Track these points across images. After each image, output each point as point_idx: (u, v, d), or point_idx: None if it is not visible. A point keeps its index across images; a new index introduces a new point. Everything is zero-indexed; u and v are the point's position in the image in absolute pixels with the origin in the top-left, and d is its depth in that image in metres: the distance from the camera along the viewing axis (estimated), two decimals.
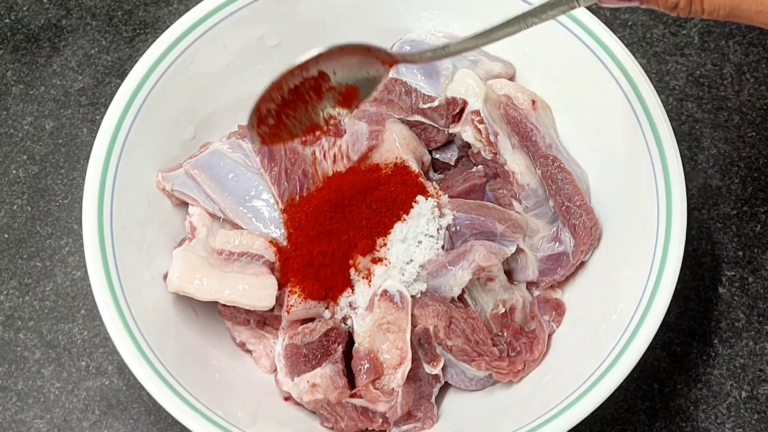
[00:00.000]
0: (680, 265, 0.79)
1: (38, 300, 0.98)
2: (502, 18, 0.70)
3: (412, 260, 0.84)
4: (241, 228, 0.88)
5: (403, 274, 0.83)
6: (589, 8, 0.91)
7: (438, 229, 0.86)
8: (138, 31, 1.12)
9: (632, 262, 0.82)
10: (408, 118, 0.93)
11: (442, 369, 0.84)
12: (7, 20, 1.14)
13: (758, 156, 1.00)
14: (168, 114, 0.91)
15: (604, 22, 0.89)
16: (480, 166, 0.93)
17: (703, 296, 0.95)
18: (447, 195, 0.89)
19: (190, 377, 0.80)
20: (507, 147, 0.89)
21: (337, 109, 0.78)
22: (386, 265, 0.84)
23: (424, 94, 0.92)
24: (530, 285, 0.90)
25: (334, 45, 0.74)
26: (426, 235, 0.85)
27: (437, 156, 0.96)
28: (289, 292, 0.85)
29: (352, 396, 0.81)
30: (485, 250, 0.83)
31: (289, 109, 0.78)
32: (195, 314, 0.88)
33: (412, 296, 0.83)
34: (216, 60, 0.94)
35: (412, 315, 0.82)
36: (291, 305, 0.84)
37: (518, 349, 0.85)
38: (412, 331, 0.82)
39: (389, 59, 0.76)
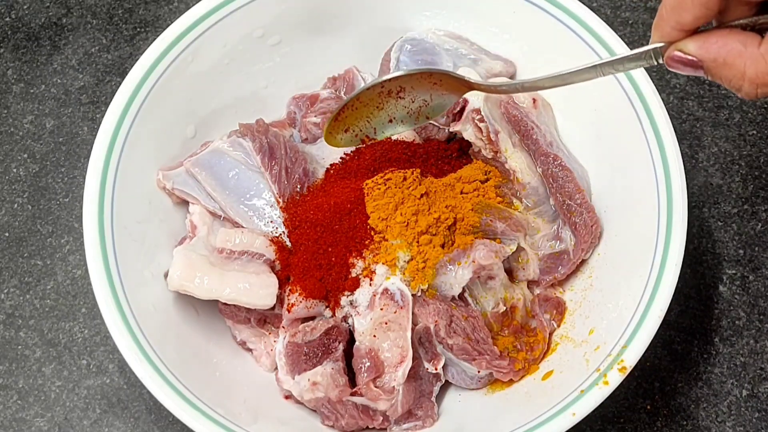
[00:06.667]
0: (681, 263, 0.79)
1: (39, 298, 0.98)
2: (579, 65, 0.74)
3: (413, 258, 0.84)
4: (242, 226, 0.88)
5: (404, 273, 0.83)
6: (589, 6, 0.91)
7: None
8: (138, 29, 1.12)
9: (633, 260, 0.82)
10: None
11: (443, 367, 0.84)
12: (7, 18, 1.14)
13: (759, 154, 1.00)
14: (168, 112, 0.91)
15: (605, 21, 0.89)
16: None
17: (704, 295, 0.95)
18: None
19: (191, 376, 0.80)
20: (508, 145, 0.89)
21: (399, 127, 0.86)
22: (387, 264, 0.83)
23: None
24: (531, 283, 0.90)
25: (420, 69, 0.83)
26: None
27: None
28: (290, 290, 0.85)
29: (352, 394, 0.81)
30: (485, 249, 0.83)
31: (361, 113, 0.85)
32: (196, 313, 0.88)
33: (412, 295, 0.83)
34: (216, 58, 0.94)
35: (412, 313, 0.82)
36: (292, 304, 0.84)
37: (519, 347, 0.85)
38: (412, 329, 0.82)
39: (465, 85, 0.82)
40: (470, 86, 0.82)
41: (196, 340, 0.86)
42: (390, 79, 0.82)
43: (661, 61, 0.68)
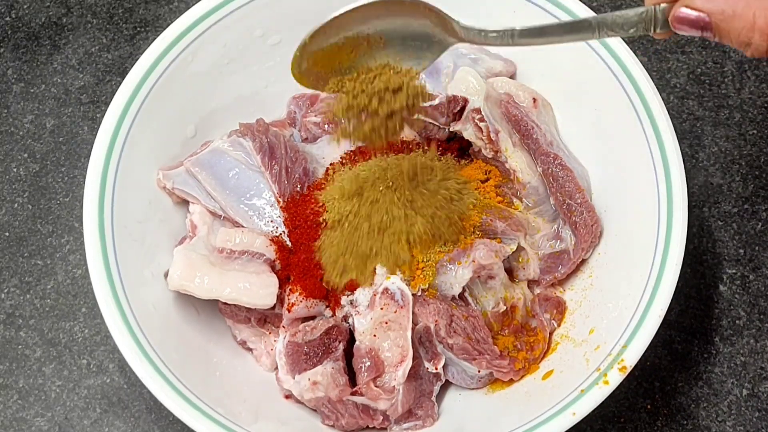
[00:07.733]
0: (681, 262, 0.79)
1: (39, 298, 0.98)
2: (575, 19, 0.70)
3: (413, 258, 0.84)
4: (242, 226, 0.88)
5: (404, 272, 0.83)
6: (590, 6, 0.91)
7: None
8: (139, 29, 1.12)
9: (633, 259, 0.82)
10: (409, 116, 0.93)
11: (443, 367, 0.84)
12: (7, 18, 1.14)
13: (759, 154, 1.00)
14: (169, 112, 0.91)
15: None
16: None
17: (704, 294, 0.95)
18: None
19: (191, 375, 0.80)
20: (508, 145, 0.89)
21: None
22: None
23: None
24: (531, 283, 0.90)
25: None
26: None
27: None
28: (290, 290, 0.85)
29: (353, 394, 0.81)
30: (486, 249, 0.83)
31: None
32: (196, 312, 0.88)
33: (412, 294, 0.83)
34: (216, 58, 0.94)
35: (413, 313, 0.82)
36: (292, 303, 0.84)
37: (519, 347, 0.85)
38: (412, 329, 0.82)
39: (454, 35, 0.75)
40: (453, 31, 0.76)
41: (196, 339, 0.86)
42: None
43: (658, 30, 0.65)
